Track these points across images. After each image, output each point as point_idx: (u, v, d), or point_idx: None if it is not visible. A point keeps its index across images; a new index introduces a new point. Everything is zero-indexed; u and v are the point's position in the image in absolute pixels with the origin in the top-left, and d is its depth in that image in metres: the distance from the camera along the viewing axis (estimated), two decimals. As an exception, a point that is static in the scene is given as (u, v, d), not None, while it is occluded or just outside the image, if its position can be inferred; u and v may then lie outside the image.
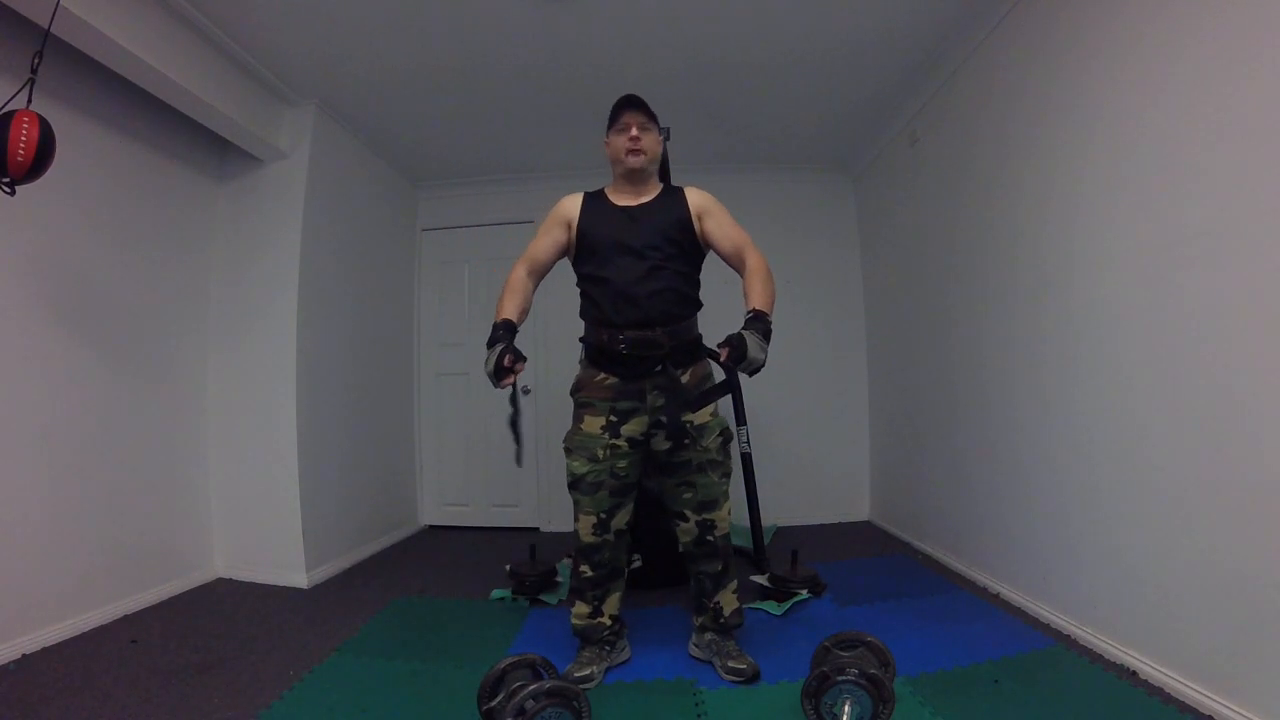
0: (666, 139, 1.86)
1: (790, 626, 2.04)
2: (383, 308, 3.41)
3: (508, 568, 2.46)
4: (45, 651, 1.85)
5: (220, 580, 2.61)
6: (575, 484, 1.70)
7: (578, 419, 1.74)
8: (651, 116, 1.76)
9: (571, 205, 1.79)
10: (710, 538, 1.72)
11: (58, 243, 2.06)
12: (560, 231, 1.78)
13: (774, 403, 3.45)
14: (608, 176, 1.85)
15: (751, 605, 2.15)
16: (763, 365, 1.48)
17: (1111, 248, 1.71)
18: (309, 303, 2.70)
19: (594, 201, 1.79)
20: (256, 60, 2.43)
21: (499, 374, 1.54)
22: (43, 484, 1.97)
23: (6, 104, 1.50)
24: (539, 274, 1.80)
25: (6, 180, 1.50)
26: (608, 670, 1.72)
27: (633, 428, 1.68)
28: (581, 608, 1.75)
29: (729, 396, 2.47)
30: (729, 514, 1.76)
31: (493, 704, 1.35)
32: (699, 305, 1.77)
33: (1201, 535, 1.44)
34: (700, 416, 1.68)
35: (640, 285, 1.65)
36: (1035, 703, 1.49)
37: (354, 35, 2.30)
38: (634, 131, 1.71)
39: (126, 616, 2.16)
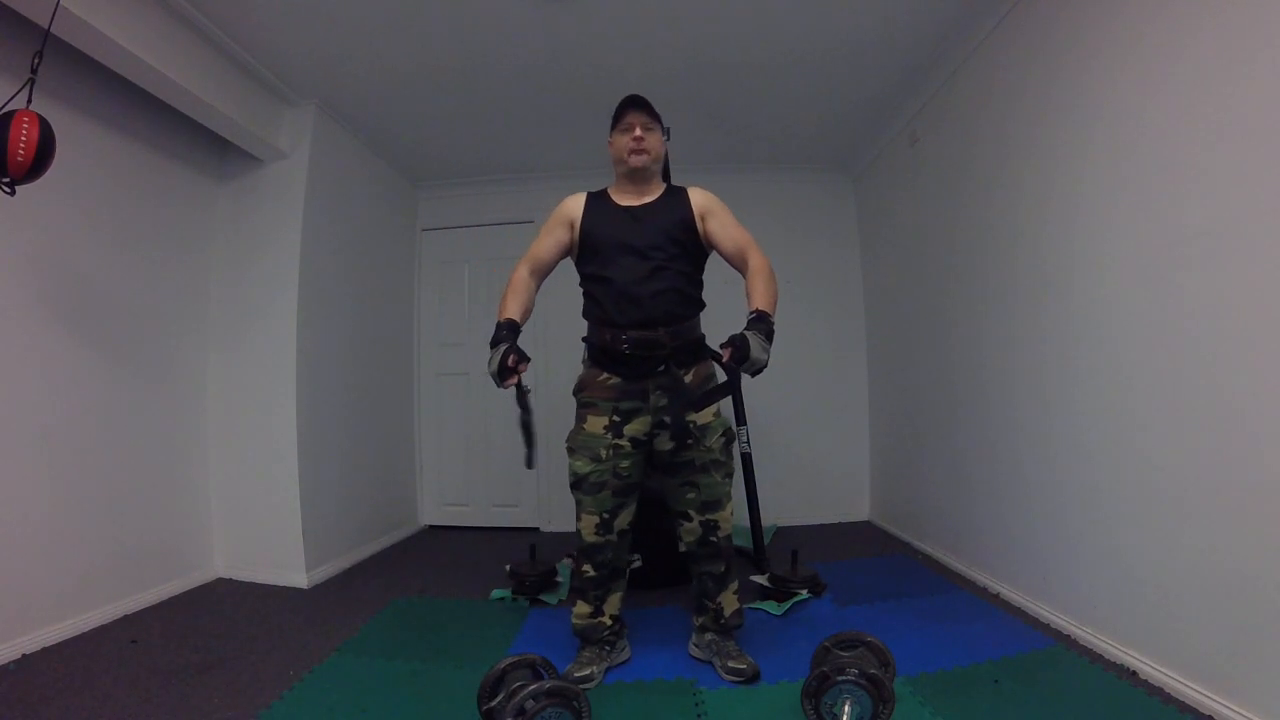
0: (666, 139, 1.86)
1: (790, 626, 2.04)
2: (383, 308, 3.41)
3: (508, 568, 2.46)
4: (45, 651, 1.85)
5: (220, 580, 2.61)
6: (578, 484, 1.70)
7: (580, 419, 1.74)
8: (655, 116, 1.76)
9: (574, 205, 1.79)
10: (714, 538, 1.72)
11: (58, 243, 2.06)
12: (563, 231, 1.78)
13: (774, 403, 3.45)
14: (608, 176, 1.85)
15: (751, 605, 2.15)
16: (765, 366, 1.48)
17: (1111, 248, 1.71)
18: (309, 303, 2.70)
19: (597, 201, 1.79)
20: (256, 60, 2.43)
21: (502, 374, 1.54)
22: (43, 484, 1.97)
23: (6, 104, 1.50)
24: (542, 274, 1.80)
25: (6, 180, 1.50)
26: (608, 670, 1.72)
27: (636, 428, 1.68)
28: (583, 607, 1.75)
29: (729, 396, 2.47)
30: (731, 514, 1.76)
31: (493, 704, 1.35)
32: (702, 305, 1.77)
33: (1201, 535, 1.44)
34: (703, 416, 1.68)
35: (643, 285, 1.65)
36: (1035, 703, 1.49)
37: (354, 35, 2.30)
38: (637, 131, 1.72)
39: (126, 616, 2.16)
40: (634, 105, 1.75)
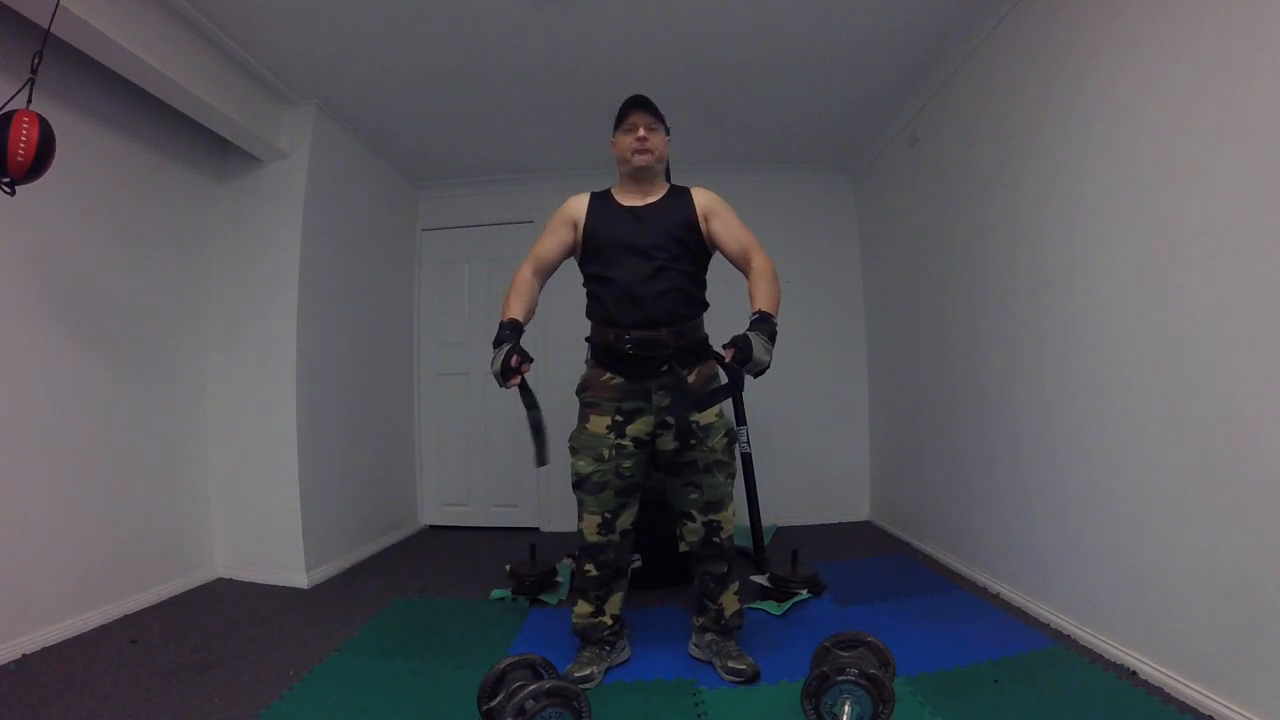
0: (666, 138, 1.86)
1: (790, 626, 2.04)
2: (383, 308, 3.41)
3: (508, 568, 2.46)
4: (45, 651, 1.85)
5: (220, 580, 2.61)
6: (580, 483, 1.70)
7: (583, 418, 1.74)
8: (659, 117, 1.76)
9: (578, 205, 1.79)
10: (716, 539, 1.72)
11: (58, 243, 2.06)
12: (567, 231, 1.78)
13: (774, 402, 3.45)
14: (608, 176, 1.85)
15: (751, 605, 2.15)
16: (768, 367, 1.47)
17: (1111, 248, 1.71)
18: (309, 303, 2.70)
19: (600, 202, 1.79)
20: (256, 60, 2.43)
21: (505, 374, 1.54)
22: (43, 484, 1.97)
23: (6, 104, 1.50)
24: (545, 274, 1.80)
25: (6, 180, 1.50)
26: (608, 670, 1.72)
27: (638, 428, 1.68)
28: (584, 607, 1.75)
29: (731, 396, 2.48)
30: (733, 515, 1.76)
31: (493, 704, 1.35)
32: (705, 305, 1.77)
33: (1201, 535, 1.44)
34: (706, 417, 1.68)
35: (646, 285, 1.65)
36: (1035, 703, 1.49)
37: (354, 35, 2.30)
38: (641, 132, 1.72)
39: (126, 616, 2.16)
40: (637, 105, 1.75)
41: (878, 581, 2.47)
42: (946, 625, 1.99)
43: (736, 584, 1.80)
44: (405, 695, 1.62)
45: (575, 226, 1.77)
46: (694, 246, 1.72)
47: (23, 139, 1.47)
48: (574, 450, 1.72)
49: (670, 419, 1.65)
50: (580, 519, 1.72)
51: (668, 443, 1.68)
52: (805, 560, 2.42)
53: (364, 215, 3.21)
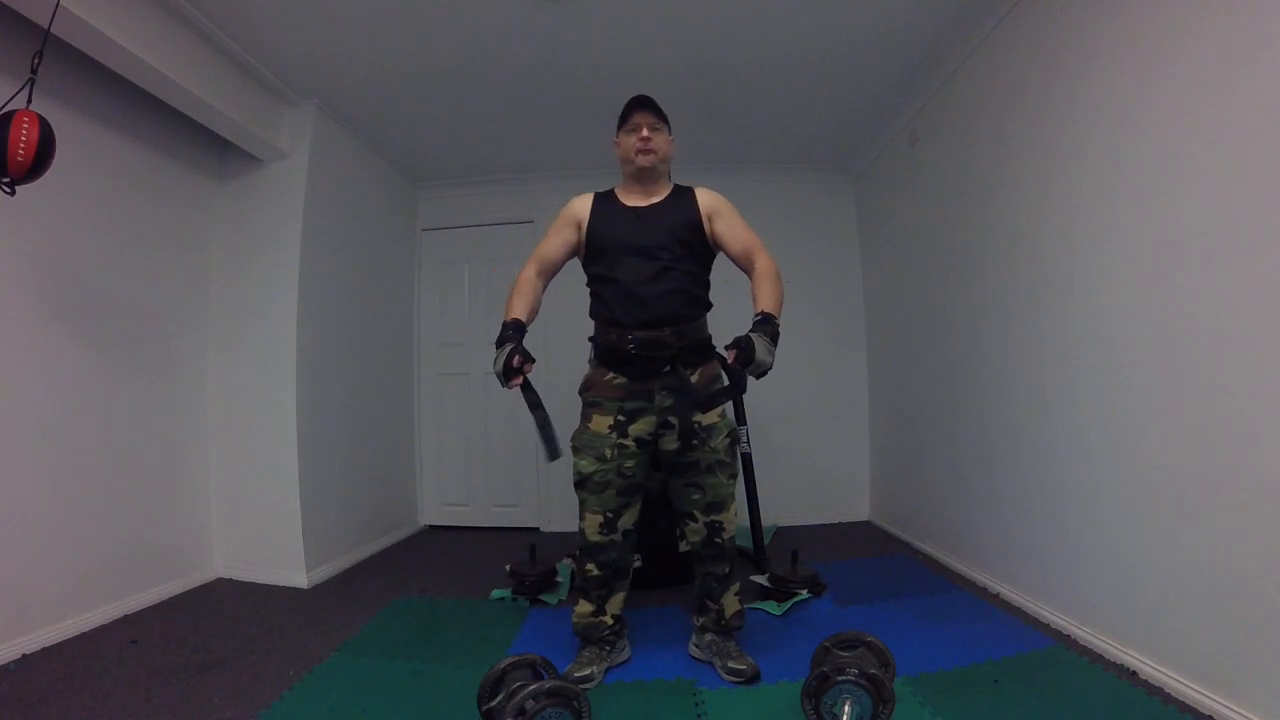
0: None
1: (790, 626, 2.04)
2: (383, 308, 3.41)
3: (508, 568, 2.46)
4: (45, 651, 1.85)
5: (220, 580, 2.61)
6: (582, 483, 1.70)
7: (586, 418, 1.74)
8: (662, 117, 1.76)
9: (582, 206, 1.79)
10: (718, 539, 1.72)
11: (58, 243, 2.06)
12: (570, 232, 1.78)
13: (774, 402, 3.45)
14: (608, 176, 1.85)
15: (751, 605, 2.15)
16: (770, 368, 1.47)
17: (1111, 248, 1.71)
18: (309, 303, 2.70)
19: (604, 202, 1.79)
20: (256, 60, 2.43)
21: (507, 374, 1.54)
22: (43, 483, 1.97)
23: (6, 104, 1.50)
24: (549, 274, 1.80)
25: (6, 180, 1.50)
26: (608, 670, 1.72)
27: (641, 428, 1.68)
28: (585, 606, 1.75)
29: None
30: (735, 515, 1.76)
31: (493, 704, 1.36)
32: (708, 306, 1.77)
33: (1201, 535, 1.44)
34: (709, 417, 1.68)
35: (649, 286, 1.65)
36: (1035, 703, 1.49)
37: (354, 35, 2.30)
38: (644, 132, 1.72)
39: (126, 616, 2.16)
40: (641, 105, 1.75)
41: (878, 581, 2.47)
42: (946, 625, 1.99)
43: (738, 584, 1.80)
44: (405, 695, 1.62)
45: (579, 227, 1.77)
46: (697, 247, 1.72)
47: (23, 139, 1.47)
48: (576, 450, 1.72)
49: (673, 419, 1.65)
50: (582, 518, 1.72)
51: (670, 443, 1.68)
52: (805, 560, 2.42)
53: (364, 215, 3.21)
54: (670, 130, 1.80)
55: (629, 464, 1.68)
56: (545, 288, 1.80)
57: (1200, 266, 1.44)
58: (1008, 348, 2.22)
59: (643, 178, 1.76)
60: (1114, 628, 1.70)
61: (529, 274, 1.75)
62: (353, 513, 3.00)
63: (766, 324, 1.52)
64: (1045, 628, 1.92)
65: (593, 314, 1.77)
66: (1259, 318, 1.31)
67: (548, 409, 1.61)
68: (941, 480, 2.74)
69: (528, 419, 1.64)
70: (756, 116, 3.07)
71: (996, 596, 2.23)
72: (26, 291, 1.95)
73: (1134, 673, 1.59)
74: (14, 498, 1.87)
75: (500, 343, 1.59)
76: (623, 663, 1.79)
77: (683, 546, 1.78)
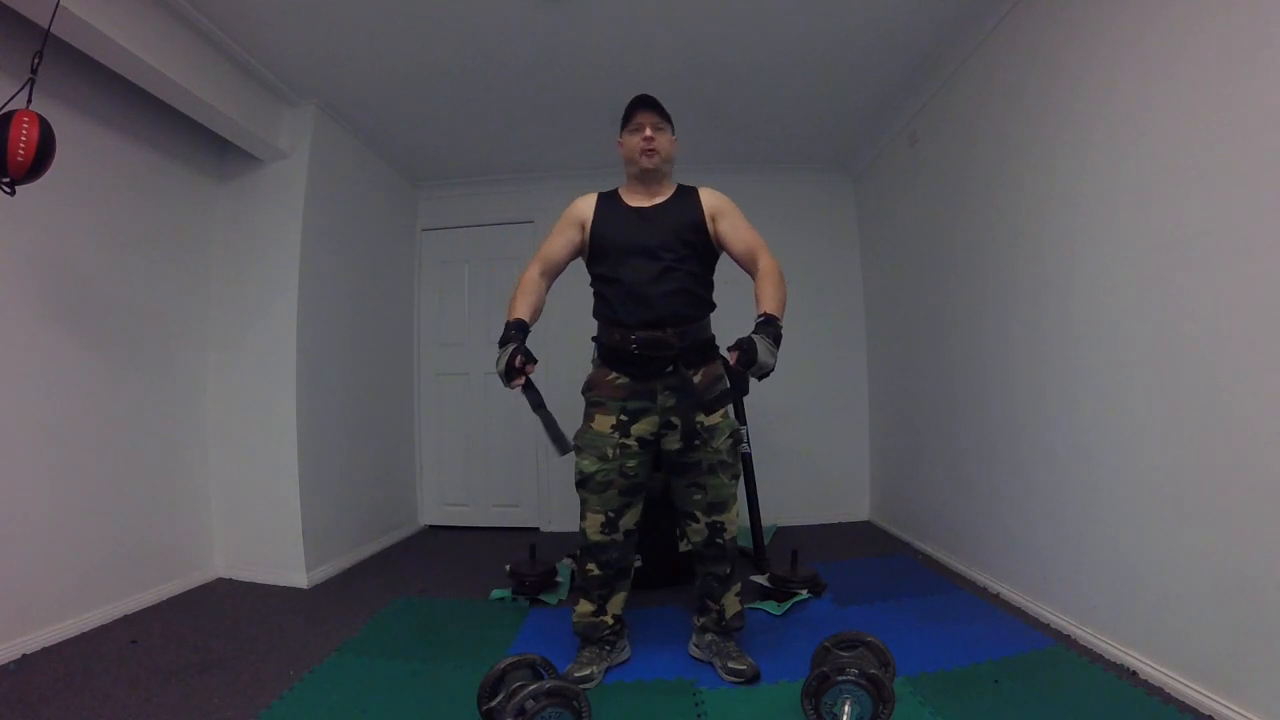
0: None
1: (790, 626, 2.04)
2: (383, 308, 3.41)
3: (508, 568, 2.46)
4: (45, 651, 1.85)
5: (220, 580, 2.61)
6: (584, 482, 1.70)
7: (588, 417, 1.74)
8: (665, 117, 1.76)
9: (585, 206, 1.79)
10: (720, 539, 1.72)
11: (58, 243, 2.06)
12: (574, 232, 1.78)
13: (774, 402, 3.45)
14: (608, 176, 1.85)
15: (751, 605, 2.15)
16: (772, 370, 1.47)
17: (1111, 248, 1.71)
18: (309, 303, 2.70)
19: (607, 202, 1.79)
20: (256, 60, 2.43)
21: (509, 374, 1.54)
22: (43, 483, 1.97)
23: (6, 104, 1.50)
24: (552, 274, 1.80)
25: (6, 180, 1.50)
26: (608, 670, 1.72)
27: (643, 427, 1.68)
28: (585, 606, 1.75)
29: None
30: (737, 516, 1.76)
31: (493, 704, 1.35)
32: (712, 306, 1.77)
33: (1201, 535, 1.44)
34: (711, 418, 1.68)
35: (653, 286, 1.65)
36: (1035, 703, 1.49)
37: (354, 35, 2.30)
38: (648, 132, 1.72)
39: (126, 616, 2.16)
40: (644, 105, 1.75)
41: (878, 581, 2.47)
42: (946, 625, 1.99)
43: (738, 585, 1.80)
44: (405, 695, 1.62)
45: (583, 227, 1.77)
46: (701, 247, 1.72)
47: (23, 139, 1.47)
48: (578, 449, 1.71)
49: (676, 419, 1.65)
50: (583, 518, 1.72)
51: (672, 443, 1.68)
52: (805, 560, 2.42)
53: (364, 215, 3.21)
54: (673, 130, 1.80)
55: (631, 464, 1.68)
56: (549, 288, 1.80)
57: (1200, 266, 1.44)
58: (1008, 348, 2.22)
59: (646, 178, 1.76)
60: (1114, 628, 1.70)
61: (532, 274, 1.75)
62: (353, 513, 3.00)
63: (769, 325, 1.52)
64: (1045, 628, 1.92)
65: (596, 314, 1.77)
66: (1259, 318, 1.31)
67: (549, 408, 1.61)
68: (941, 480, 2.74)
69: (528, 419, 1.64)
70: (757, 116, 3.07)
71: (996, 596, 2.23)
72: (27, 291, 1.95)
73: (1134, 673, 1.59)
74: (14, 498, 1.87)
75: (503, 342, 1.59)
76: (623, 663, 1.79)
77: (683, 546, 1.78)
